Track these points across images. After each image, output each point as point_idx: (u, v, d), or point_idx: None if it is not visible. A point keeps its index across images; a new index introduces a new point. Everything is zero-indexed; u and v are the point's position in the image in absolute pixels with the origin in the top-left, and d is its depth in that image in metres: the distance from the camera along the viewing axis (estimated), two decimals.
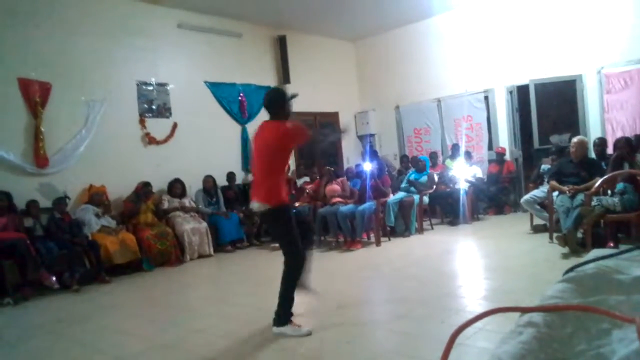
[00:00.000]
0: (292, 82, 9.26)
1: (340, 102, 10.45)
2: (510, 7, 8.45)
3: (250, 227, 7.60)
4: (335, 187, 7.26)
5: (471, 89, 9.05)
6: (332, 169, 7.73)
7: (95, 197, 6.44)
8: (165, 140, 7.56)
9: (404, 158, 9.62)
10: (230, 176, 7.97)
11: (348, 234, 6.70)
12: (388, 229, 7.05)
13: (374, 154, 9.40)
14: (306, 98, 9.49)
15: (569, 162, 5.76)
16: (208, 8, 7.98)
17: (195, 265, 6.59)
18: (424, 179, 7.76)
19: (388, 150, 10.48)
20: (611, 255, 1.35)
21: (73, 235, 5.81)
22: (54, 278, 5.44)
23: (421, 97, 9.74)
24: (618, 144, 5.45)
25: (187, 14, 7.93)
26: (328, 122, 10.29)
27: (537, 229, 6.32)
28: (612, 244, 4.87)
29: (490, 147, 8.95)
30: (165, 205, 7.05)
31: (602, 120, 7.69)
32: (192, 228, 6.82)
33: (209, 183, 7.56)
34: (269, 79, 9.12)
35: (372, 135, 10.59)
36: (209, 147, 8.00)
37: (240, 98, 8.57)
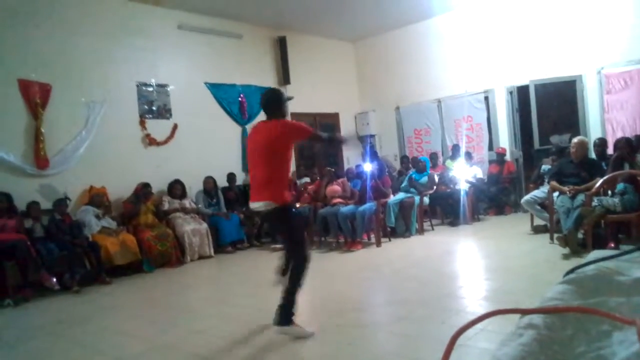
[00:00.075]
0: (292, 82, 9.27)
1: (340, 103, 10.46)
2: (510, 7, 8.45)
3: (251, 228, 7.60)
4: (335, 187, 7.26)
5: (471, 90, 9.05)
6: (333, 169, 7.73)
7: (96, 198, 6.44)
8: (166, 141, 7.56)
9: (404, 159, 9.62)
10: (231, 177, 7.98)
11: (348, 234, 6.70)
12: (388, 229, 7.05)
13: (374, 155, 9.40)
14: (306, 99, 9.53)
15: (569, 163, 5.76)
16: (208, 9, 7.99)
17: (196, 266, 6.59)
18: (424, 179, 7.76)
19: (388, 151, 10.48)
20: (612, 257, 1.35)
21: (73, 237, 5.81)
22: (54, 279, 5.44)
23: (421, 97, 9.74)
24: (618, 144, 5.45)
25: (187, 15, 7.94)
26: (328, 124, 10.30)
27: (537, 230, 6.32)
28: (612, 245, 4.87)
29: (490, 148, 8.95)
30: (166, 206, 7.05)
31: (602, 121, 7.69)
32: (193, 229, 6.82)
33: (209, 184, 7.56)
34: (269, 80, 9.12)
35: (372, 135, 10.59)
36: (209, 148, 8.00)
37: (240, 99, 8.57)
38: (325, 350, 3.14)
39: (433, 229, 7.56)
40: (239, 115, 8.57)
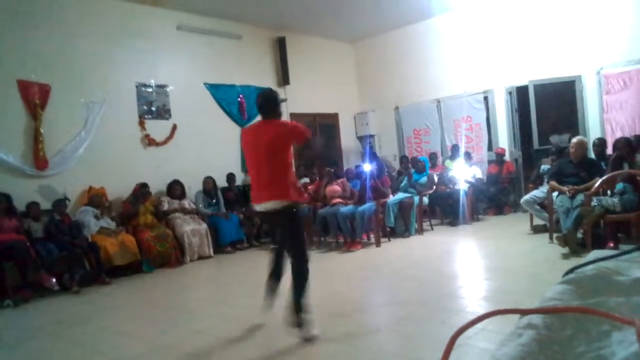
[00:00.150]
0: (292, 83, 9.27)
1: (339, 103, 10.46)
2: (510, 8, 8.45)
3: (250, 228, 7.60)
4: (335, 187, 7.26)
5: (470, 90, 9.06)
6: (332, 169, 7.73)
7: (95, 198, 6.44)
8: (165, 142, 7.56)
9: (403, 159, 9.62)
10: (230, 177, 7.97)
11: (348, 234, 6.70)
12: (388, 229, 7.05)
13: (373, 155, 9.40)
14: (306, 99, 9.54)
15: (568, 163, 5.76)
16: (207, 10, 7.99)
17: (195, 266, 6.59)
18: (424, 179, 7.76)
19: (388, 151, 10.48)
20: (611, 257, 1.35)
21: (73, 237, 5.81)
22: (53, 280, 5.44)
23: (420, 98, 9.74)
24: (617, 144, 5.45)
25: (186, 16, 7.93)
26: (327, 124, 10.31)
27: (537, 230, 6.32)
28: (612, 244, 4.87)
29: (489, 148, 8.95)
30: (165, 206, 7.04)
31: (601, 121, 7.69)
32: (192, 229, 6.82)
33: (209, 184, 7.56)
34: (269, 81, 9.13)
35: (371, 136, 10.60)
36: (208, 149, 8.00)
37: (239, 99, 8.58)
38: (325, 350, 3.14)
39: (432, 229, 7.56)
40: (239, 116, 8.57)
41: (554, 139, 7.91)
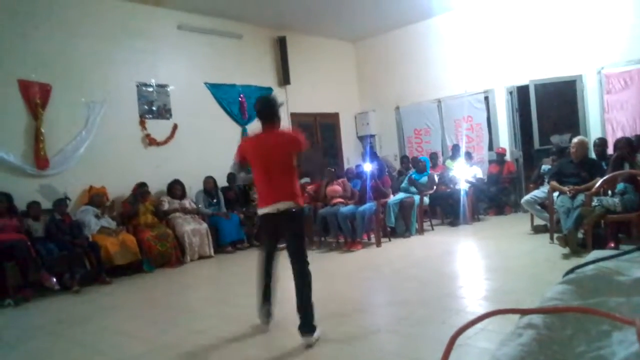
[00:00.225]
0: (292, 83, 9.27)
1: (340, 103, 10.46)
2: (510, 7, 8.45)
3: (251, 228, 7.59)
4: (336, 187, 7.26)
5: (471, 90, 9.05)
6: (333, 169, 7.73)
7: (95, 198, 6.45)
8: (166, 142, 7.56)
9: (404, 159, 9.62)
10: (231, 177, 7.97)
11: (348, 234, 6.70)
12: (388, 229, 7.05)
13: (374, 155, 9.40)
14: (306, 99, 9.54)
15: (569, 163, 5.76)
16: (208, 9, 7.99)
17: (196, 266, 6.59)
18: (424, 179, 7.76)
19: (388, 151, 10.48)
20: (611, 257, 1.35)
21: (73, 237, 5.82)
22: (54, 279, 5.45)
23: (421, 97, 9.74)
24: (618, 144, 5.45)
25: (187, 16, 7.94)
26: (328, 124, 10.31)
27: (537, 230, 6.32)
28: (612, 245, 4.87)
29: (490, 148, 8.95)
30: (166, 206, 7.05)
31: (602, 121, 7.69)
32: (193, 229, 6.82)
33: (209, 184, 7.57)
34: (269, 80, 9.13)
35: (372, 136, 10.60)
36: (209, 148, 8.00)
37: (240, 99, 8.58)
38: (325, 351, 3.14)
39: (433, 229, 7.56)
40: (239, 116, 8.57)
41: (555, 138, 7.90)
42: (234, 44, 8.61)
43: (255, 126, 3.98)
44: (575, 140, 5.77)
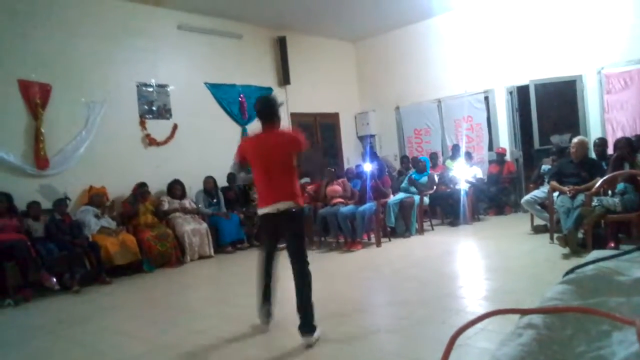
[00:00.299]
0: (292, 83, 9.28)
1: (340, 103, 10.46)
2: (510, 7, 8.45)
3: (251, 228, 7.59)
4: (336, 187, 7.26)
5: (471, 90, 9.05)
6: (333, 169, 7.73)
7: (95, 198, 6.45)
8: (166, 142, 7.56)
9: (404, 159, 9.62)
10: (231, 177, 7.97)
11: (348, 234, 6.70)
12: (388, 229, 7.05)
13: (374, 155, 9.40)
14: (306, 99, 9.54)
15: (569, 163, 5.76)
16: (208, 9, 7.99)
17: (196, 266, 6.59)
18: (424, 179, 7.76)
19: (388, 151, 10.47)
20: (611, 257, 1.35)
21: (73, 237, 5.82)
22: (54, 279, 5.45)
23: (421, 97, 9.74)
24: (618, 144, 5.45)
25: (187, 16, 7.94)
26: (328, 124, 10.31)
27: (537, 230, 6.32)
28: (612, 245, 4.87)
29: (490, 148, 8.95)
30: (166, 206, 7.05)
31: (602, 121, 7.69)
32: (193, 229, 6.82)
33: (209, 184, 7.57)
34: (269, 80, 9.13)
35: (372, 136, 10.59)
36: (209, 148, 8.00)
37: (240, 99, 8.57)
38: (325, 351, 3.14)
39: (433, 229, 7.56)
40: (239, 116, 8.57)
41: (555, 138, 7.90)
42: (234, 44, 8.61)
43: (255, 126, 3.99)
44: (575, 140, 5.77)
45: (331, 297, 4.31)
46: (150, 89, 7.48)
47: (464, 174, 8.04)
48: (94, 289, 5.58)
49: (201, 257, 6.86)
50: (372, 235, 6.90)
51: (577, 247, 4.92)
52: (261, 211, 3.54)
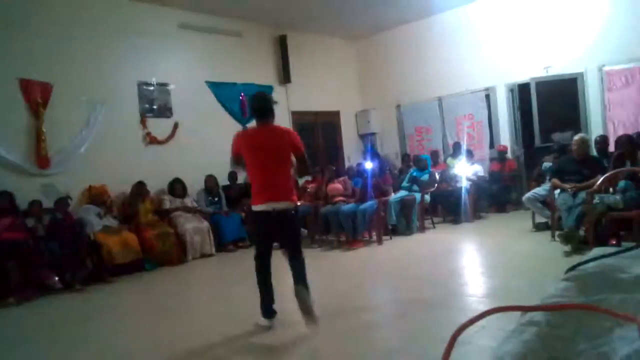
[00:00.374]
0: (293, 81, 9.27)
1: (341, 101, 10.45)
2: (511, 5, 8.43)
3: (252, 226, 7.59)
4: (337, 185, 7.26)
5: (472, 88, 9.04)
6: (334, 167, 7.73)
7: (96, 197, 6.45)
8: (167, 140, 7.57)
9: (405, 157, 9.62)
10: (232, 175, 7.98)
11: (350, 232, 6.70)
12: (390, 227, 7.05)
13: (375, 153, 9.40)
14: (307, 97, 9.53)
15: (570, 160, 5.75)
16: (209, 8, 7.99)
17: (197, 264, 6.60)
18: (426, 177, 7.76)
19: (389, 149, 10.47)
20: (613, 254, 1.35)
21: (75, 235, 5.81)
22: (56, 278, 5.46)
23: (422, 95, 9.72)
24: (620, 141, 5.44)
25: (187, 14, 7.93)
26: (329, 122, 10.31)
27: (539, 227, 6.31)
28: (614, 242, 4.86)
29: (491, 146, 8.94)
30: (167, 205, 7.06)
31: (603, 118, 7.68)
32: (194, 227, 6.83)
33: (210, 182, 7.57)
34: (270, 79, 9.12)
35: (373, 134, 10.59)
36: (210, 147, 7.98)
37: (241, 98, 8.57)
38: (327, 348, 3.14)
39: (434, 227, 7.55)
40: (240, 114, 8.57)
41: (556, 136, 7.89)
42: (234, 42, 8.61)
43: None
44: (576, 137, 5.77)
45: (332, 295, 4.31)
46: (151, 88, 7.48)
47: (465, 172, 8.02)
48: (95, 288, 5.59)
49: (203, 256, 6.86)
50: (374, 234, 6.90)
51: (578, 245, 4.92)
52: (256, 208, 3.54)
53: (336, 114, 10.45)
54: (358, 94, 10.93)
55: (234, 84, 8.54)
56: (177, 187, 7.20)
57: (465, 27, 9.03)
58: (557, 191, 5.62)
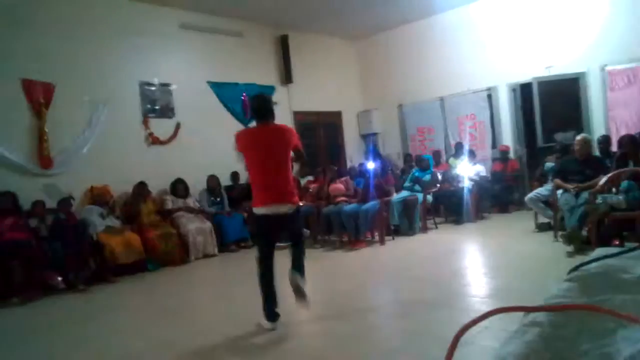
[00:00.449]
0: (295, 81, 9.28)
1: (343, 101, 10.45)
2: (513, 5, 8.42)
3: (254, 227, 7.59)
4: (339, 186, 7.26)
5: (474, 87, 9.03)
6: (336, 167, 7.72)
7: (98, 197, 6.46)
8: (169, 141, 7.58)
9: (407, 157, 9.61)
10: (234, 176, 7.98)
11: (352, 233, 6.70)
12: (392, 228, 7.05)
13: (377, 153, 9.39)
14: (308, 97, 9.54)
15: (573, 160, 5.74)
16: (210, 8, 8.00)
17: (200, 265, 6.61)
18: (428, 177, 7.75)
19: (391, 149, 10.46)
20: (616, 254, 1.35)
21: (78, 236, 5.83)
22: (59, 278, 5.47)
23: (424, 95, 9.72)
24: (622, 141, 5.42)
25: (189, 14, 7.94)
26: (331, 122, 10.31)
27: (541, 227, 6.30)
28: (617, 242, 4.85)
29: (494, 146, 8.93)
30: (170, 205, 7.07)
31: (605, 118, 7.66)
32: (197, 228, 6.84)
33: (213, 182, 7.58)
34: (271, 79, 9.13)
35: (375, 134, 10.58)
36: (212, 147, 8.00)
37: (242, 98, 8.58)
38: (330, 348, 3.14)
39: (437, 227, 7.55)
40: (242, 114, 8.57)
41: (559, 136, 7.87)
42: (236, 42, 8.62)
43: None
44: (578, 137, 5.75)
45: (335, 295, 4.31)
46: (153, 88, 7.49)
47: (468, 172, 8.01)
48: (98, 288, 5.60)
49: (205, 256, 6.87)
50: (376, 234, 6.90)
51: (581, 245, 4.90)
52: (258, 211, 3.53)
53: (338, 114, 10.45)
54: (360, 94, 10.93)
55: (236, 84, 8.55)
56: (179, 188, 7.21)
57: (467, 26, 9.02)
58: (560, 191, 5.61)
